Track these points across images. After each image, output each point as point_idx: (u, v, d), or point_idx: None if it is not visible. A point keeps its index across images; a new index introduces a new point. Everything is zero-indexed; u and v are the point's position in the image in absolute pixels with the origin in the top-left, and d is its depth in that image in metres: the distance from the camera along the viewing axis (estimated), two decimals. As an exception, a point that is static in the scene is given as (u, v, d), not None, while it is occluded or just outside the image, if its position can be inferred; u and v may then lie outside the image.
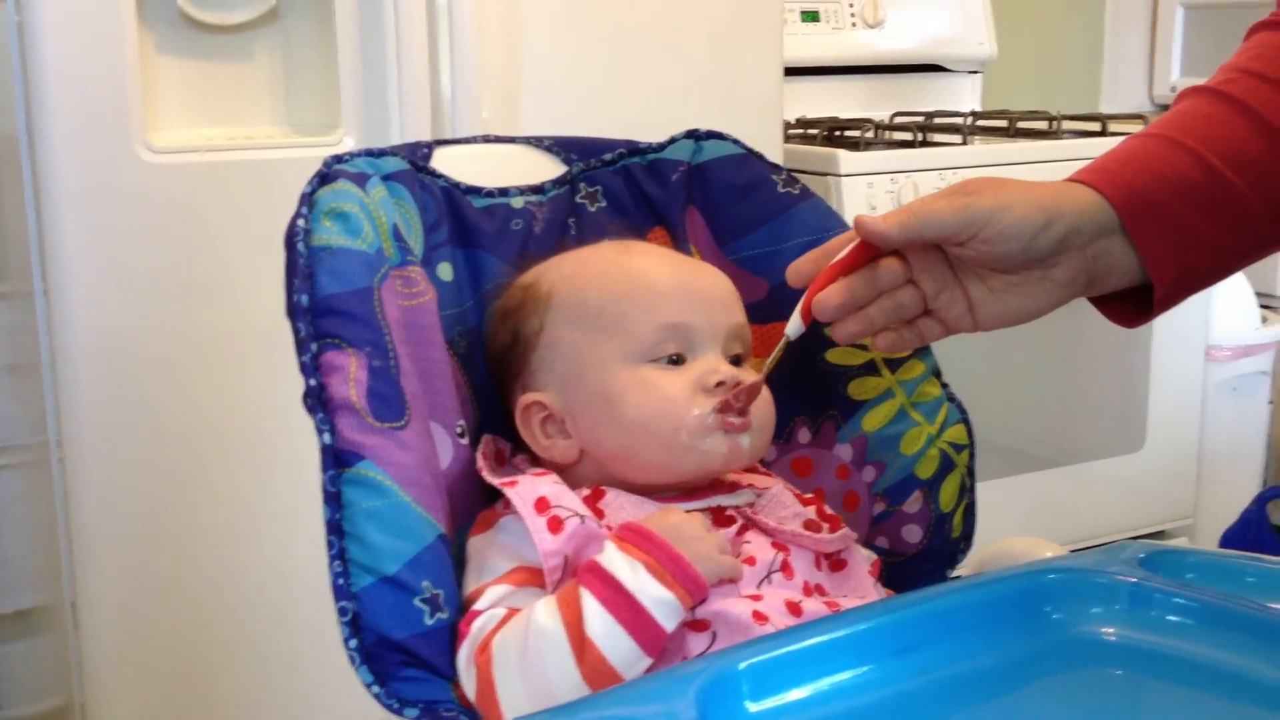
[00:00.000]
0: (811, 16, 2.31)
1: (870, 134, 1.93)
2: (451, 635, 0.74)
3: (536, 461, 0.85)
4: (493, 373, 0.89)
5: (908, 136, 1.97)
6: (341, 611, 0.72)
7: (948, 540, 0.90)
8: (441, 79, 1.46)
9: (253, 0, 1.45)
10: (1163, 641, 0.69)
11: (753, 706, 0.63)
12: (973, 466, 0.92)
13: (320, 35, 1.46)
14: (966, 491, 0.91)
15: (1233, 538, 1.95)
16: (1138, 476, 2.13)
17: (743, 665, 0.64)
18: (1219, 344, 2.16)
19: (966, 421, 0.92)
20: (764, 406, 0.83)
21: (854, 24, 2.33)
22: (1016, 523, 1.91)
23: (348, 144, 1.44)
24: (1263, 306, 2.26)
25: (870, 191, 1.82)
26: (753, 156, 0.96)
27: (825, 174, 1.82)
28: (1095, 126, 2.07)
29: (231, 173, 1.39)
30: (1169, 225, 0.79)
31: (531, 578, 0.76)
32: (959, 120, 2.14)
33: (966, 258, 0.78)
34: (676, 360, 0.82)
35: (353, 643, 0.71)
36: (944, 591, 0.73)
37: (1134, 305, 0.83)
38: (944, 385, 0.93)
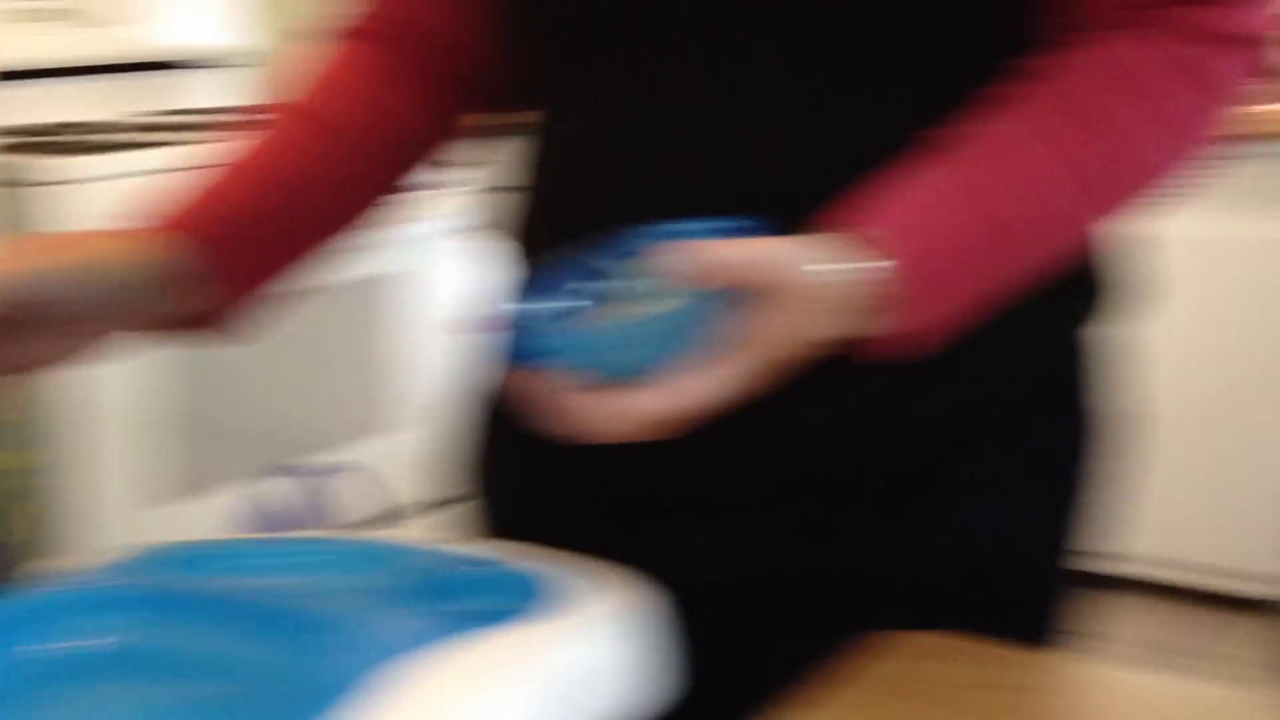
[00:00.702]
0: (51, 15, 2.19)
1: (92, 137, 1.86)
2: None
3: None
4: None
5: (140, 138, 1.93)
6: None
7: (12, 568, 0.89)
8: None
9: None
10: (129, 639, 0.70)
11: None
12: (49, 491, 0.91)
13: None
14: (40, 516, 0.90)
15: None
16: (404, 456, 2.19)
17: None
18: (463, 315, 2.27)
19: (41, 446, 0.91)
20: None
21: (94, 22, 2.24)
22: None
23: None
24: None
25: (85, 200, 1.75)
26: None
27: (37, 184, 1.73)
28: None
29: None
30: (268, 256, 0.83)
31: None
32: (201, 118, 2.12)
33: (49, 312, 0.76)
34: None
35: None
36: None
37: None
38: (26, 411, 0.92)
